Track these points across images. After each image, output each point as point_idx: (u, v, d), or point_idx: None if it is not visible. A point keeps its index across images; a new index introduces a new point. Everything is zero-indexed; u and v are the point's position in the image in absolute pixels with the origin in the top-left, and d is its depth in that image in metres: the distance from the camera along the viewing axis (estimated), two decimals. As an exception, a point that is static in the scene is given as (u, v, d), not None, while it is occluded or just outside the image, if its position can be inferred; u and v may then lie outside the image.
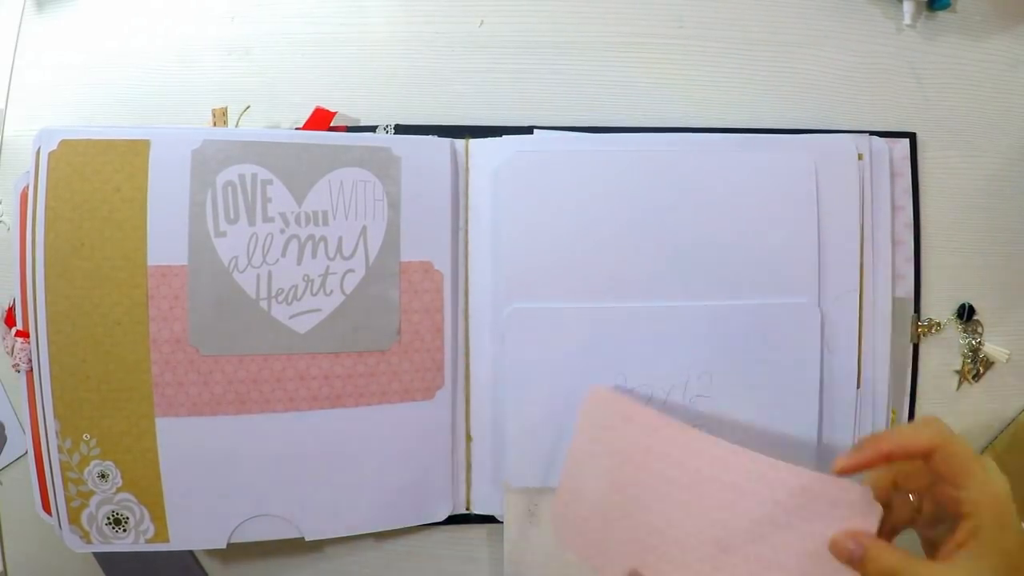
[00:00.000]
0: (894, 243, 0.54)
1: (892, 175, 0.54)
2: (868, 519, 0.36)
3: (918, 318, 0.55)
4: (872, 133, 0.54)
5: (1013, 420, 0.56)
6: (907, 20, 0.54)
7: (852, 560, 0.35)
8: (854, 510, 0.36)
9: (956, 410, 0.56)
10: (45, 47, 0.54)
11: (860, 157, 0.52)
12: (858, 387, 0.52)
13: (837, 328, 0.52)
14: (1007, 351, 0.56)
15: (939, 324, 0.55)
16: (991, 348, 0.56)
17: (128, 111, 0.53)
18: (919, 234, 0.55)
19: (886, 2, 0.55)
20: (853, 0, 0.56)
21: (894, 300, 0.54)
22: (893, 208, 0.54)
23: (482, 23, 0.54)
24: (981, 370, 0.56)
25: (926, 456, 0.35)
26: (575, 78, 0.54)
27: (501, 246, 0.51)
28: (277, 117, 0.53)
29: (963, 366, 0.56)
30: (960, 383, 0.56)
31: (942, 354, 0.56)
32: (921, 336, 0.55)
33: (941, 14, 0.56)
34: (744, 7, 0.55)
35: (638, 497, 0.44)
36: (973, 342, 0.56)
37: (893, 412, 0.54)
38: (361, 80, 0.54)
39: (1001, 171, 0.56)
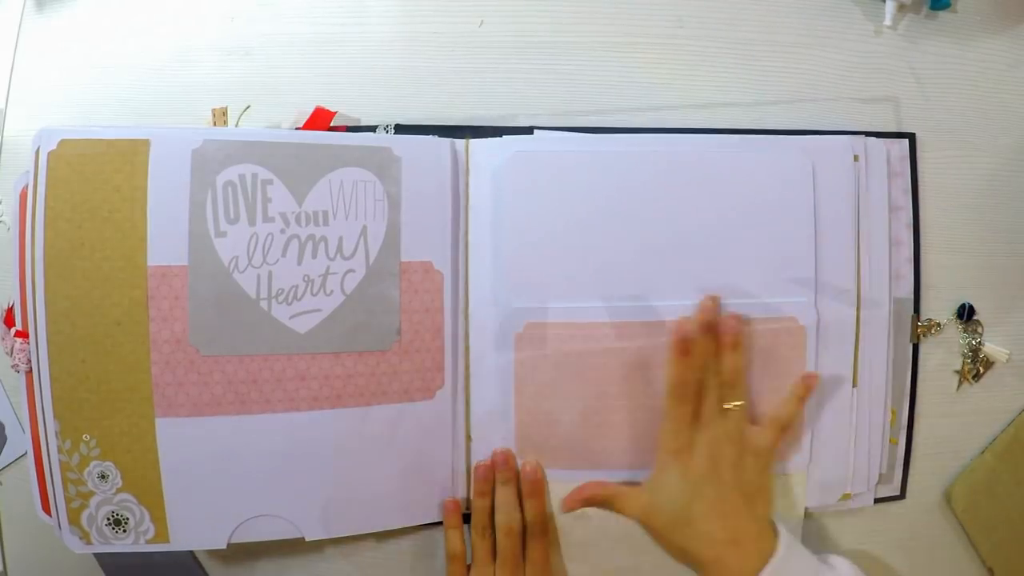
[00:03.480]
0: (892, 243, 0.54)
1: (890, 175, 0.54)
2: None
3: (918, 318, 0.55)
4: (872, 134, 0.54)
5: (1013, 420, 0.56)
6: (887, 21, 0.54)
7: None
8: None
9: (956, 411, 0.56)
10: (45, 47, 0.54)
11: (856, 158, 0.52)
12: (854, 386, 0.52)
13: (833, 328, 0.52)
14: (1007, 351, 0.56)
15: (939, 324, 0.55)
16: (991, 348, 0.56)
17: (128, 111, 0.53)
18: (919, 234, 0.55)
19: (885, 2, 0.55)
20: (852, 0, 0.56)
21: (893, 300, 0.54)
22: (892, 208, 0.54)
23: (482, 23, 0.54)
24: (981, 370, 0.56)
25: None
26: (575, 78, 0.54)
27: (501, 246, 0.51)
28: (277, 117, 0.53)
29: (963, 366, 0.56)
30: (960, 383, 0.56)
31: (942, 354, 0.56)
32: (921, 336, 0.55)
33: (941, 14, 0.56)
34: (744, 8, 0.55)
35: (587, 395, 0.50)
36: (973, 342, 0.56)
37: (892, 412, 0.54)
38: (361, 80, 0.54)
39: (1001, 171, 0.56)
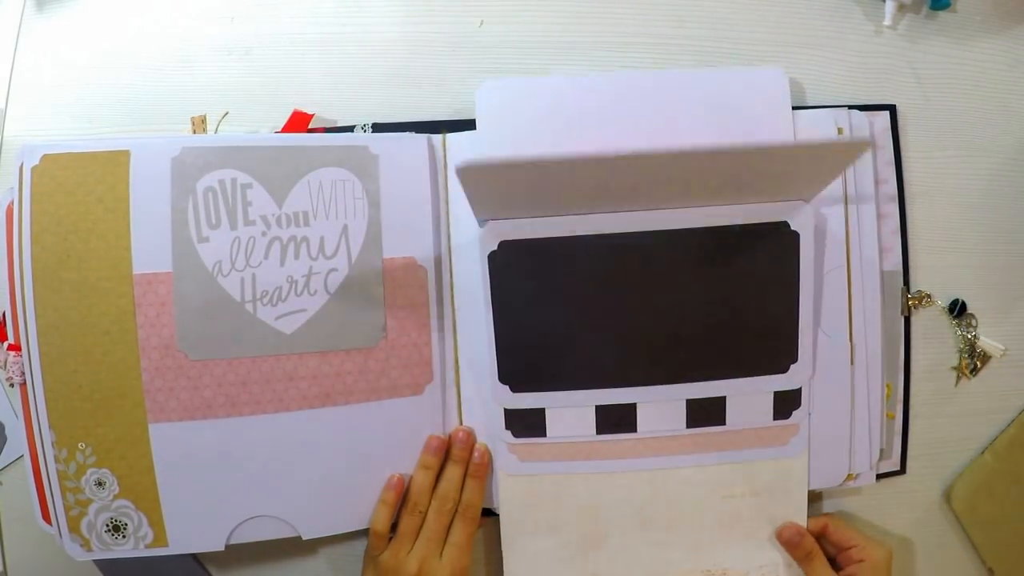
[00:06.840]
0: (879, 217, 0.53)
1: (874, 148, 0.53)
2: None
3: (907, 290, 0.55)
4: (853, 106, 0.53)
5: (1013, 420, 0.56)
6: (887, 21, 0.54)
7: (792, 540, 0.52)
8: None
9: (955, 411, 0.56)
10: (45, 47, 0.54)
11: (840, 131, 0.52)
12: (852, 364, 0.52)
13: (826, 301, 0.52)
14: (1003, 346, 0.56)
15: (929, 296, 0.55)
16: (987, 343, 0.56)
17: (128, 111, 0.54)
18: (907, 232, 0.55)
19: (885, 2, 0.55)
20: (853, 0, 0.56)
21: (883, 274, 0.53)
22: (877, 182, 0.53)
23: (482, 23, 0.54)
24: (979, 364, 0.56)
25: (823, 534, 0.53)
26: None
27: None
28: (277, 117, 0.53)
29: (960, 360, 0.56)
30: (958, 378, 0.56)
31: (939, 354, 0.56)
32: (912, 309, 0.55)
33: (941, 14, 0.56)
34: (744, 8, 0.55)
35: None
36: (968, 335, 0.56)
37: (888, 387, 0.54)
38: (361, 80, 0.54)
39: (1001, 171, 0.56)
